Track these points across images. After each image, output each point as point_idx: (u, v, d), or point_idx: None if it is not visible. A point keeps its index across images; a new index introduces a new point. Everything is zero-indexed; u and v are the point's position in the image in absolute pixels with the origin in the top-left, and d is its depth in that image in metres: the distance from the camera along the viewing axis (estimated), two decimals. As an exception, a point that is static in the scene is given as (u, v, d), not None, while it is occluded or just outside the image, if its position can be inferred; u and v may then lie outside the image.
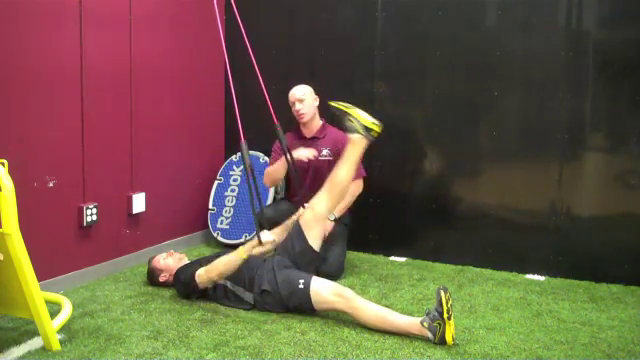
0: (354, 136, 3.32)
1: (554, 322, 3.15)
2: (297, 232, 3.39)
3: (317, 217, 3.38)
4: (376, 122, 3.29)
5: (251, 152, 4.54)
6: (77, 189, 3.59)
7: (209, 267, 3.27)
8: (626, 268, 3.74)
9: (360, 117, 3.26)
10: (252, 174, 3.08)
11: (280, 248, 3.41)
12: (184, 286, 3.35)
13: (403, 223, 4.33)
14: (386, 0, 4.24)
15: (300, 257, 3.35)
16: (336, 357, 2.71)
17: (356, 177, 3.89)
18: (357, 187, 3.94)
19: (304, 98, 3.91)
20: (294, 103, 3.91)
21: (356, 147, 3.35)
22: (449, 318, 2.79)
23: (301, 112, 3.89)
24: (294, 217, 3.52)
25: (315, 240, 3.39)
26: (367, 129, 3.26)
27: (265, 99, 3.41)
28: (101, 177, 3.73)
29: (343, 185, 3.40)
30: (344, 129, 3.40)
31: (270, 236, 3.13)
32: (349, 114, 3.28)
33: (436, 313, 2.82)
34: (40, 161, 3.35)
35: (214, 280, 3.27)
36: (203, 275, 3.28)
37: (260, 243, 3.10)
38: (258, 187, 3.16)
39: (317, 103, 3.97)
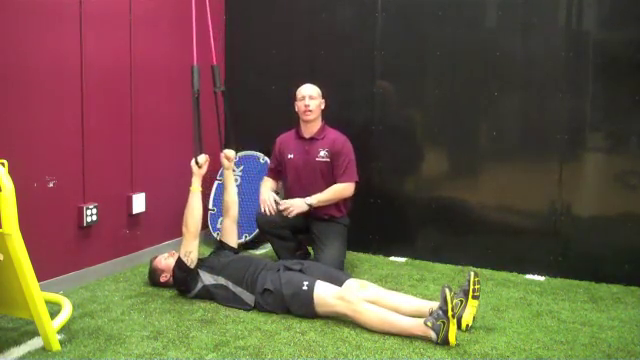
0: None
1: (554, 322, 3.15)
2: (334, 277, 3.28)
3: (354, 299, 3.05)
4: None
5: (250, 152, 4.56)
6: (77, 189, 3.59)
7: (183, 221, 3.39)
8: (626, 268, 3.74)
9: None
10: (197, 98, 3.37)
11: (300, 265, 3.36)
12: (179, 273, 3.36)
13: (403, 223, 4.33)
14: (386, 0, 4.24)
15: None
16: (336, 357, 2.71)
17: (348, 180, 3.88)
18: (347, 190, 3.90)
19: (315, 96, 3.91)
20: (304, 98, 3.89)
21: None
22: (454, 316, 2.80)
23: (309, 108, 3.88)
24: (225, 171, 3.73)
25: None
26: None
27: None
28: (101, 177, 3.73)
29: (393, 307, 3.08)
30: (434, 312, 2.88)
31: (204, 157, 3.41)
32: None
33: (440, 312, 2.82)
34: (40, 161, 3.35)
35: (193, 232, 3.35)
36: (182, 243, 3.36)
37: (198, 165, 3.37)
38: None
39: (323, 106, 3.97)
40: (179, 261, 3.38)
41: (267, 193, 3.93)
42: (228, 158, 3.70)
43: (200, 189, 3.44)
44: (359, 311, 2.98)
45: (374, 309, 2.99)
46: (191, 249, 3.35)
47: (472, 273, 3.03)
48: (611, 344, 2.88)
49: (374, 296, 3.14)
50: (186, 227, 3.38)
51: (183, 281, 3.38)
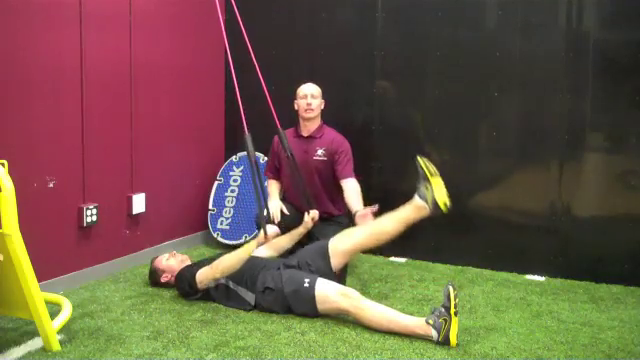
0: (419, 202, 3.00)
1: (554, 322, 3.15)
2: (321, 253, 3.32)
3: (347, 250, 3.28)
4: (448, 203, 2.97)
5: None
6: (77, 189, 3.59)
7: (214, 264, 3.28)
8: (626, 268, 3.74)
9: (436, 190, 2.91)
10: (257, 168, 3.08)
11: (296, 258, 3.37)
12: (186, 286, 3.35)
13: (403, 223, 4.32)
14: (386, 0, 4.24)
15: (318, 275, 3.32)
16: (336, 358, 2.71)
17: (349, 175, 3.87)
18: (356, 184, 3.87)
19: (316, 95, 3.93)
20: (305, 96, 3.91)
21: (415, 212, 3.06)
22: (455, 314, 2.80)
23: (311, 106, 3.89)
24: (300, 229, 3.61)
25: (336, 267, 3.33)
26: (436, 205, 2.93)
27: (267, 100, 3.42)
28: (101, 177, 3.73)
29: (384, 236, 3.23)
30: (416, 189, 3.08)
31: (274, 228, 3.10)
32: (428, 182, 2.95)
33: (443, 309, 2.82)
34: (40, 161, 3.35)
35: (216, 278, 3.27)
36: (206, 272, 3.28)
37: (266, 237, 3.11)
38: (262, 180, 3.10)
39: (323, 106, 3.98)
40: (191, 281, 3.31)
41: (276, 202, 3.90)
42: (314, 220, 3.61)
43: (252, 254, 3.27)
44: (361, 307, 2.98)
45: (376, 306, 3.00)
46: (208, 282, 3.30)
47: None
48: (611, 344, 2.88)
49: (360, 237, 3.22)
50: (218, 270, 3.26)
51: (188, 294, 3.37)
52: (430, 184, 2.75)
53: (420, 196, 2.77)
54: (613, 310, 3.33)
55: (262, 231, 3.16)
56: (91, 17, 3.58)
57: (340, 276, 3.41)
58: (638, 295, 3.58)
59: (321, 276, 3.20)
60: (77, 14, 3.50)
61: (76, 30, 3.51)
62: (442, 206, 2.82)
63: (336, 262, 3.32)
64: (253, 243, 3.24)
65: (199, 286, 3.31)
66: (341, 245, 3.31)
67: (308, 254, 3.36)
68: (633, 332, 3.03)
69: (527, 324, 3.12)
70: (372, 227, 3.32)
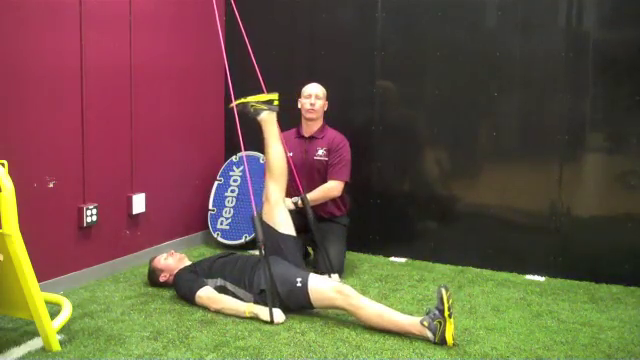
0: (262, 115, 3.48)
1: (554, 323, 3.15)
2: (266, 229, 3.37)
3: (274, 205, 3.47)
4: (271, 94, 3.53)
5: (250, 153, 4.55)
6: (77, 189, 3.59)
7: (213, 298, 3.22)
8: (626, 268, 3.74)
9: (256, 97, 3.47)
10: (267, 257, 3.09)
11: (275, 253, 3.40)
12: (186, 294, 3.33)
13: (403, 223, 4.33)
14: (386, 0, 4.24)
15: (280, 246, 3.37)
16: (336, 357, 2.71)
17: (338, 178, 3.88)
18: (335, 189, 3.88)
19: (321, 96, 3.94)
20: (310, 96, 3.92)
21: (269, 124, 3.52)
22: (450, 316, 2.79)
23: (314, 107, 3.90)
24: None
25: (283, 225, 3.44)
26: (268, 103, 3.47)
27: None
28: (101, 177, 3.73)
29: (279, 164, 3.51)
30: (252, 118, 3.52)
31: (282, 317, 3.06)
32: (247, 102, 3.47)
33: (437, 311, 2.82)
34: (40, 161, 3.35)
35: (210, 310, 3.22)
36: (204, 300, 3.23)
37: (271, 321, 3.04)
38: (272, 268, 3.12)
39: (326, 108, 3.99)
40: (191, 297, 3.28)
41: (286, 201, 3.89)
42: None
43: (248, 316, 3.12)
44: (357, 306, 2.98)
45: (372, 304, 3.00)
46: (203, 306, 3.26)
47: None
48: (611, 344, 2.88)
49: (273, 189, 3.46)
50: (216, 307, 3.20)
51: (186, 299, 3.38)
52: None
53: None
54: (613, 310, 3.33)
55: (269, 312, 3.06)
56: (91, 17, 3.58)
57: (296, 238, 3.50)
58: (638, 295, 3.58)
59: (278, 243, 3.34)
60: (77, 14, 3.50)
61: (76, 30, 3.51)
62: (271, 97, 3.40)
63: (278, 222, 3.44)
64: (256, 310, 3.10)
65: (197, 304, 3.28)
66: (266, 208, 3.47)
67: (269, 242, 3.36)
68: (633, 332, 3.04)
69: (527, 324, 3.12)
70: (266, 171, 3.56)
